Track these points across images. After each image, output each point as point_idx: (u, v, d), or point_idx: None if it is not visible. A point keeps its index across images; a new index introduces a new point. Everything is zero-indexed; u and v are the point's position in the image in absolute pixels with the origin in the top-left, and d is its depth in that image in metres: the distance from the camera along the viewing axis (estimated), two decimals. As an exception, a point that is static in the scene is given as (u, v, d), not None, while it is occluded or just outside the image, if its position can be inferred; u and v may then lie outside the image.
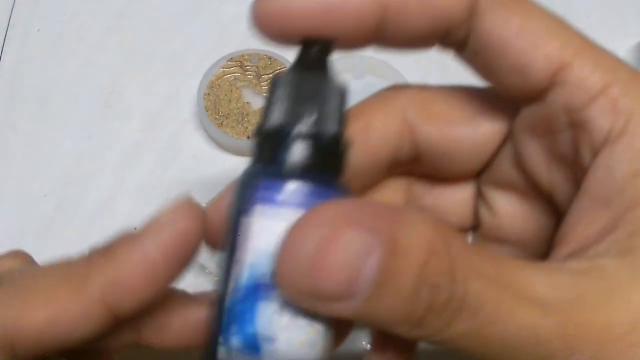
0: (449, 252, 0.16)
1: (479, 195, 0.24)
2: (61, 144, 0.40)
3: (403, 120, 0.22)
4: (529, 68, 0.19)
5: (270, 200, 0.18)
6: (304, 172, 0.18)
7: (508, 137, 0.22)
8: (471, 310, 0.16)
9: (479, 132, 0.22)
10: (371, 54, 0.38)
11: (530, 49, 0.19)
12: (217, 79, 0.40)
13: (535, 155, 0.21)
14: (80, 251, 0.20)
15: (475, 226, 0.25)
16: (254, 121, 0.39)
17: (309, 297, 0.16)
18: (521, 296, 0.17)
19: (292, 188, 0.18)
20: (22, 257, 0.23)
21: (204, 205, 0.21)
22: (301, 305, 0.17)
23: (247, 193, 0.19)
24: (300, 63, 0.20)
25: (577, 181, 0.20)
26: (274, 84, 0.20)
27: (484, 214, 0.24)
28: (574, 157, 0.20)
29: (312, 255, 0.16)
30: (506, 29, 0.19)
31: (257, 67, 0.40)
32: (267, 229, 0.18)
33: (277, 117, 0.19)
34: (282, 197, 0.18)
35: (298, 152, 0.18)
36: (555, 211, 0.22)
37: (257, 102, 0.40)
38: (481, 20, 0.19)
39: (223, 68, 0.40)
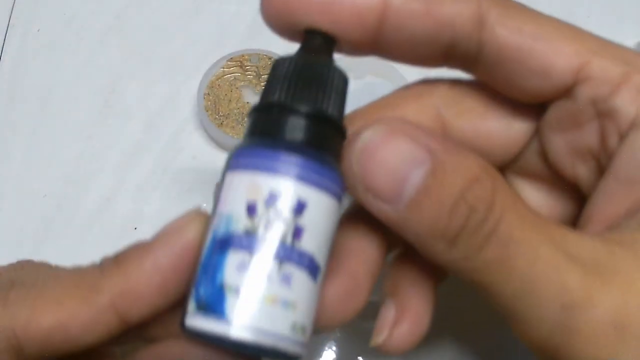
0: (493, 184, 0.18)
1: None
2: (61, 144, 0.40)
3: (437, 115, 0.23)
4: (551, 70, 0.20)
5: (246, 165, 0.18)
6: (295, 146, 0.18)
7: (535, 132, 0.23)
8: (502, 239, 0.18)
9: (511, 127, 0.23)
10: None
11: (550, 51, 0.20)
12: (217, 79, 0.40)
13: (561, 150, 0.22)
14: (81, 251, 0.20)
15: None
16: (254, 121, 0.39)
17: (362, 188, 0.18)
18: (553, 241, 0.18)
19: (284, 158, 0.18)
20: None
21: (205, 205, 0.21)
22: (358, 197, 0.19)
23: (232, 155, 0.19)
24: (303, 50, 0.20)
25: (601, 172, 0.21)
26: (275, 65, 0.20)
27: None
28: (601, 146, 0.21)
29: (366, 148, 0.18)
30: (522, 37, 0.20)
31: (257, 67, 0.40)
32: (243, 185, 0.18)
33: (274, 94, 0.19)
34: (268, 163, 0.18)
35: (291, 126, 0.19)
36: (579, 200, 0.22)
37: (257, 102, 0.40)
38: (493, 33, 0.20)
39: (223, 68, 0.40)
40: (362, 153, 0.18)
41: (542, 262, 0.17)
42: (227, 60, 0.40)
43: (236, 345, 0.17)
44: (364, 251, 0.21)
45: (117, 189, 0.38)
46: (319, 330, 0.20)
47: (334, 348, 0.33)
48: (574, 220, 0.23)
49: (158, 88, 0.42)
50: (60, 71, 0.42)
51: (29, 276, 0.20)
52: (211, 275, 0.18)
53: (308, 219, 0.18)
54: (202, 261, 0.19)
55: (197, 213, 0.20)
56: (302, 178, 0.18)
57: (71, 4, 0.45)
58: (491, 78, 0.22)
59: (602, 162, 0.21)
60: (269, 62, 0.41)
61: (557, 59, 0.20)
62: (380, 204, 0.18)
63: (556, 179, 0.23)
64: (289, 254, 0.18)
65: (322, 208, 0.18)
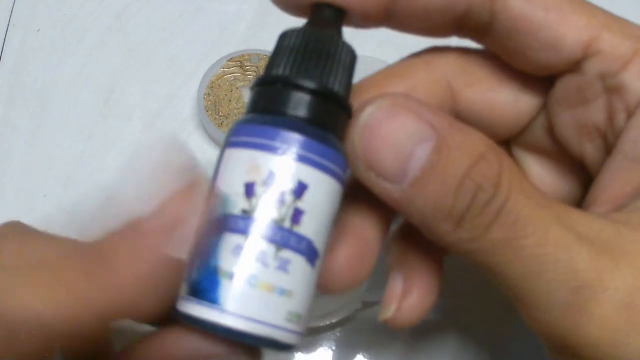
0: (499, 162, 0.17)
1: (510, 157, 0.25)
2: (61, 144, 0.40)
3: (447, 85, 0.22)
4: (562, 42, 0.20)
5: (246, 142, 0.17)
6: (297, 124, 0.18)
7: (543, 106, 0.22)
8: (509, 218, 0.17)
9: (519, 100, 0.22)
10: (371, 54, 0.38)
11: (560, 24, 0.20)
12: (217, 79, 0.40)
13: (568, 126, 0.22)
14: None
15: None
16: (254, 121, 0.39)
17: (365, 166, 0.17)
18: (561, 220, 0.18)
19: (285, 137, 0.17)
20: (15, 229, 0.22)
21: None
22: (360, 176, 0.18)
23: (232, 130, 0.18)
24: (311, 23, 0.19)
25: (608, 150, 0.21)
26: (281, 37, 0.19)
27: None
28: (608, 124, 0.20)
29: (369, 123, 0.17)
30: (534, 8, 0.20)
31: (257, 67, 0.40)
32: (242, 164, 0.17)
33: (277, 68, 0.18)
34: (268, 142, 0.17)
35: (294, 103, 0.18)
36: (585, 179, 0.22)
37: (257, 102, 0.40)
38: (506, 3, 0.20)
39: (223, 68, 0.40)
40: (365, 129, 0.17)
41: (551, 242, 0.17)
42: (227, 60, 0.40)
43: (229, 333, 0.17)
44: (372, 215, 0.21)
45: (117, 189, 0.38)
46: (329, 293, 0.20)
47: (334, 347, 0.33)
48: (578, 200, 0.23)
49: (158, 88, 0.42)
50: (60, 71, 0.42)
51: (3, 273, 0.17)
52: (205, 258, 0.17)
53: (308, 202, 0.17)
54: (196, 241, 0.17)
55: (191, 187, 0.18)
56: (304, 159, 0.17)
57: (71, 4, 0.45)
58: (501, 48, 0.21)
59: (608, 140, 0.21)
60: (269, 62, 0.41)
61: (568, 32, 0.20)
62: (383, 183, 0.17)
63: (562, 156, 0.23)
64: (286, 238, 0.17)
65: (323, 190, 0.17)
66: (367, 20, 0.20)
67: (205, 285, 0.17)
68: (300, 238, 0.17)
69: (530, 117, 0.23)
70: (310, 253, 0.17)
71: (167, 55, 0.43)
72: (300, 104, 0.18)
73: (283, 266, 0.17)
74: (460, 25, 0.21)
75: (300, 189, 0.17)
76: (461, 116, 0.23)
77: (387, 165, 0.17)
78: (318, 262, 0.18)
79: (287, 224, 0.17)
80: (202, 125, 0.40)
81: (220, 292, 0.16)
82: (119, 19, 0.44)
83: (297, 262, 0.17)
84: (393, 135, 0.17)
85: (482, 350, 0.34)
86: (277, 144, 0.17)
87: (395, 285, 0.22)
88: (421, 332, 0.34)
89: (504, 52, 0.21)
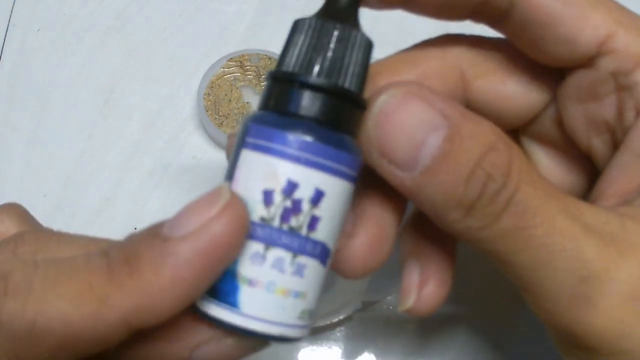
0: (509, 153, 0.18)
1: (518, 146, 0.25)
2: (61, 144, 0.40)
3: (460, 74, 0.22)
4: (578, 38, 0.20)
5: (264, 147, 0.17)
6: (311, 128, 0.17)
7: (553, 98, 0.23)
8: (519, 208, 0.17)
9: (530, 90, 0.23)
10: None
11: (578, 19, 0.20)
12: (217, 79, 0.40)
13: (577, 120, 0.22)
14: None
15: None
16: (254, 121, 0.39)
17: (377, 153, 0.18)
18: (568, 211, 0.18)
19: (300, 144, 0.17)
20: (17, 213, 0.22)
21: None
22: (372, 163, 0.18)
23: (247, 129, 0.18)
24: (326, 11, 0.19)
25: (615, 145, 0.21)
26: (295, 26, 0.19)
27: None
28: (617, 120, 0.21)
29: (383, 110, 0.17)
30: (553, 1, 0.20)
31: (257, 67, 0.40)
32: (260, 170, 0.17)
33: (290, 62, 0.18)
34: (285, 149, 0.17)
35: (307, 103, 0.18)
36: (591, 173, 0.22)
37: (257, 102, 0.40)
38: None
39: (223, 68, 0.40)
40: (378, 117, 0.18)
41: (559, 232, 0.17)
42: (227, 60, 0.40)
43: (246, 333, 0.18)
44: (388, 202, 0.21)
45: (117, 189, 0.38)
46: (348, 279, 0.20)
47: (334, 347, 0.33)
48: (584, 192, 0.23)
49: (158, 88, 0.42)
50: (60, 71, 0.42)
51: (26, 269, 0.17)
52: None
53: (324, 208, 0.18)
54: None
55: (230, 201, 0.16)
56: (319, 166, 0.17)
57: (71, 4, 0.45)
58: (516, 37, 0.21)
59: (617, 136, 0.21)
60: (269, 62, 0.41)
61: (584, 29, 0.20)
62: (395, 170, 0.18)
63: (570, 148, 0.23)
64: (303, 245, 0.17)
65: (338, 195, 0.18)
66: (385, 2, 0.20)
67: (225, 289, 0.17)
68: (316, 244, 0.18)
69: (540, 108, 0.23)
70: (323, 255, 0.18)
71: (167, 55, 0.43)
72: (313, 104, 0.18)
73: (299, 271, 0.18)
74: (479, 10, 0.21)
75: (317, 197, 0.17)
76: (472, 105, 0.23)
77: (399, 153, 0.17)
78: (329, 260, 0.18)
79: (304, 231, 0.17)
80: (202, 125, 0.40)
81: (239, 297, 0.17)
82: (119, 19, 0.44)
83: (312, 266, 0.18)
84: (406, 123, 0.17)
85: (484, 349, 0.34)
86: (293, 151, 0.17)
87: (412, 275, 0.22)
88: (421, 331, 0.34)
89: (518, 41, 0.22)
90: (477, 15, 0.21)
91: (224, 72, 0.40)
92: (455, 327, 0.34)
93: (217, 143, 0.40)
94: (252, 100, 0.40)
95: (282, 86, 0.18)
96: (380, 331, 0.34)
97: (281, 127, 0.17)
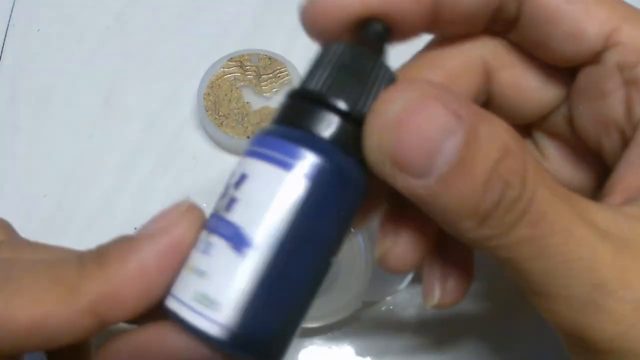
0: (523, 155, 0.17)
1: (530, 140, 0.25)
2: (61, 144, 0.40)
3: (484, 67, 0.23)
4: (583, 33, 0.20)
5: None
6: (322, 146, 0.17)
7: (566, 96, 0.23)
8: (535, 216, 0.17)
9: (547, 86, 0.23)
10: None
11: (583, 15, 0.20)
12: (217, 79, 0.40)
13: (586, 118, 0.22)
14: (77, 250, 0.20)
15: None
16: (254, 121, 0.39)
17: (391, 163, 0.17)
18: (583, 217, 0.18)
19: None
20: (1, 226, 0.23)
21: (205, 206, 0.21)
22: (384, 175, 0.17)
23: (255, 141, 0.18)
24: (357, 40, 0.19)
25: (626, 144, 0.21)
26: (324, 49, 0.19)
27: (535, 155, 0.25)
28: (626, 117, 0.21)
29: (398, 116, 0.16)
30: (558, 0, 0.20)
31: (257, 67, 0.40)
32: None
33: (314, 83, 0.18)
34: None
35: (321, 124, 0.17)
36: (602, 172, 0.23)
37: (257, 102, 0.40)
38: None
39: (223, 68, 0.40)
40: (394, 123, 0.16)
41: (576, 240, 0.17)
42: (227, 60, 0.41)
43: (165, 311, 0.18)
44: None
45: (117, 189, 0.38)
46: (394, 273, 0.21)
47: (334, 347, 0.33)
48: (593, 189, 0.24)
49: (158, 88, 0.42)
50: (60, 71, 0.42)
51: (2, 266, 0.18)
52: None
53: (244, 190, 0.17)
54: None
55: (188, 208, 0.19)
56: (253, 153, 0.18)
57: (71, 4, 0.45)
58: (525, 40, 0.22)
59: (627, 135, 0.21)
60: (269, 62, 0.41)
61: (589, 24, 0.20)
62: (408, 179, 0.17)
63: (580, 146, 0.23)
64: (216, 224, 0.18)
65: (263, 180, 0.17)
66: (412, 33, 0.21)
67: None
68: (229, 224, 0.17)
69: (555, 104, 0.23)
70: (236, 240, 0.17)
71: (167, 55, 0.43)
72: (322, 123, 0.18)
73: (207, 250, 0.18)
74: (492, 20, 0.21)
75: (240, 180, 0.18)
76: (494, 98, 0.23)
77: (414, 161, 0.16)
78: (248, 251, 0.17)
79: (222, 212, 0.18)
80: (202, 125, 0.40)
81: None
82: (119, 19, 0.44)
83: (221, 248, 0.17)
84: (422, 129, 0.16)
85: (484, 349, 0.34)
86: (250, 147, 0.18)
87: (433, 272, 0.22)
88: (421, 331, 0.34)
89: (528, 44, 0.22)
90: (491, 26, 0.22)
91: (224, 72, 0.40)
92: (455, 327, 0.34)
93: (217, 143, 0.40)
94: (252, 100, 0.40)
95: (303, 106, 0.18)
96: (380, 331, 0.34)
97: (264, 132, 0.18)
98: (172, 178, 0.39)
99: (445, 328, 0.34)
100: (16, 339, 0.17)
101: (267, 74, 0.40)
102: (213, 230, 0.18)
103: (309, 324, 0.32)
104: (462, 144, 0.16)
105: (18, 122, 0.40)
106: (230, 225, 0.17)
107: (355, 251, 0.33)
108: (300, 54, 0.41)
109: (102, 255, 0.18)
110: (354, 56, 0.18)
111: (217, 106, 0.39)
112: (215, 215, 0.18)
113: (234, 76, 0.40)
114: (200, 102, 0.39)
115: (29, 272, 0.18)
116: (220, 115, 0.39)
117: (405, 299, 0.34)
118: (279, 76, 0.40)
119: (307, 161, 0.17)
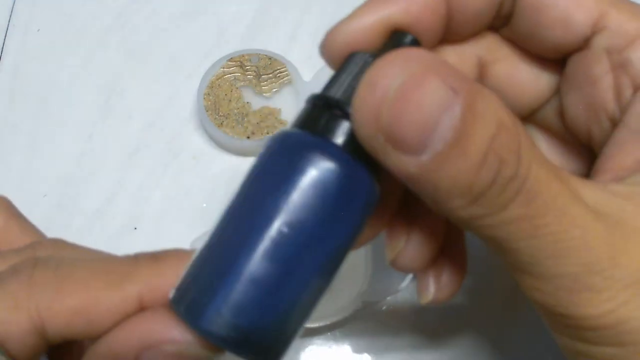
0: (517, 132, 0.17)
1: None
2: (61, 144, 0.40)
3: (477, 61, 0.23)
4: (571, 19, 0.21)
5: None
6: (338, 151, 0.17)
7: (557, 88, 0.23)
8: (529, 195, 0.16)
9: (539, 77, 0.23)
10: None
11: (570, 2, 0.21)
12: (217, 79, 0.40)
13: (576, 106, 0.22)
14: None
15: None
16: (254, 121, 0.39)
17: (385, 139, 0.16)
18: (576, 196, 0.17)
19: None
20: (2, 205, 0.24)
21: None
22: (374, 150, 0.16)
23: (270, 144, 0.18)
24: (384, 51, 0.18)
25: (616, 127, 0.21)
26: (350, 57, 0.19)
27: None
28: (615, 102, 0.21)
29: (397, 91, 0.15)
30: None
31: (257, 67, 0.40)
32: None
33: (336, 90, 0.18)
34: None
35: (337, 130, 0.18)
36: (591, 160, 0.22)
37: (257, 102, 0.40)
38: None
39: (223, 68, 0.40)
40: (392, 98, 0.16)
41: (569, 220, 0.17)
42: (227, 60, 0.41)
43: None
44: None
45: (117, 189, 0.38)
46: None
47: (334, 347, 0.33)
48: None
49: (158, 88, 0.42)
50: (60, 71, 0.42)
51: (56, 255, 0.19)
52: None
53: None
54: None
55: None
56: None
57: (71, 4, 0.45)
58: (517, 33, 0.22)
59: (616, 120, 0.21)
60: (269, 62, 0.41)
61: (577, 10, 0.21)
62: (401, 157, 0.16)
63: (571, 138, 0.23)
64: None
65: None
66: (430, 44, 0.21)
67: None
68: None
69: (547, 96, 0.23)
70: None
71: (167, 55, 0.43)
72: (341, 130, 0.18)
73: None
74: (496, 15, 0.22)
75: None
76: None
77: (408, 137, 0.15)
78: None
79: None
80: (202, 125, 0.40)
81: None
82: (119, 19, 0.44)
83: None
84: (422, 104, 0.15)
85: (484, 349, 0.34)
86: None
87: (427, 268, 0.22)
88: (421, 331, 0.34)
89: (519, 36, 0.22)
90: (493, 22, 0.22)
91: (224, 72, 0.40)
92: (455, 327, 0.34)
93: (217, 143, 0.40)
94: (252, 100, 0.40)
95: (323, 112, 0.18)
96: (380, 331, 0.34)
97: (307, 148, 0.18)
98: (172, 178, 0.39)
99: (445, 328, 0.34)
100: (65, 324, 0.17)
101: (267, 74, 0.40)
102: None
103: (309, 324, 0.32)
104: (460, 119, 0.15)
105: (18, 122, 0.40)
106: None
107: (356, 252, 0.33)
108: (300, 54, 0.41)
109: (157, 255, 0.19)
110: None
111: (217, 106, 0.39)
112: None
113: (234, 76, 0.40)
114: (200, 102, 0.39)
115: (81, 260, 0.19)
116: (220, 115, 0.39)
117: (405, 299, 0.34)
118: (279, 76, 0.40)
119: (320, 166, 0.17)
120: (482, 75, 0.23)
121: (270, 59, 0.41)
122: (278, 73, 0.40)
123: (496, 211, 0.16)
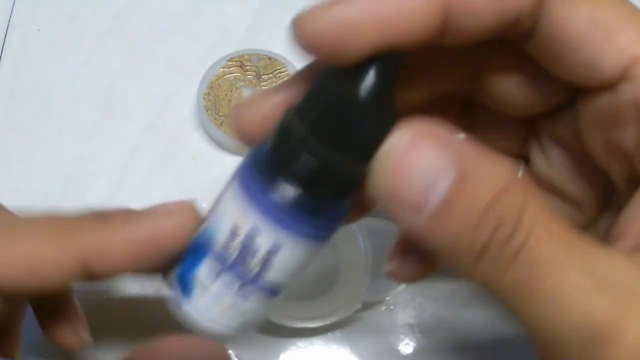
0: (523, 197, 0.17)
1: (537, 141, 0.24)
2: (61, 144, 0.40)
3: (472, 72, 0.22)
4: (600, 62, 0.19)
5: (251, 190, 0.19)
6: (293, 196, 0.18)
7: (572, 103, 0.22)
8: (529, 258, 0.17)
9: (546, 95, 0.22)
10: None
11: (601, 41, 0.19)
12: (217, 79, 0.40)
13: (596, 142, 0.21)
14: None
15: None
16: (254, 121, 0.39)
17: (387, 197, 0.17)
18: (582, 263, 0.17)
19: (277, 202, 0.18)
20: None
21: (205, 206, 0.22)
22: (381, 204, 0.18)
23: (244, 162, 0.20)
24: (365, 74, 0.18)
25: (633, 173, 0.20)
26: (321, 77, 0.19)
27: (539, 159, 0.24)
28: (637, 150, 0.20)
29: (394, 156, 0.17)
30: (576, 20, 0.19)
31: (257, 67, 0.40)
32: (236, 207, 0.19)
33: (299, 115, 0.18)
34: (262, 200, 0.18)
35: (300, 166, 0.18)
36: (606, 182, 0.22)
37: (257, 102, 0.40)
38: (549, 11, 0.19)
39: (223, 68, 0.40)
40: (388, 161, 0.17)
41: (570, 285, 0.17)
42: (227, 60, 0.41)
43: (186, 318, 0.21)
44: None
45: (117, 189, 0.38)
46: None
47: (333, 347, 0.33)
48: (598, 206, 0.23)
49: (158, 88, 0.42)
50: (60, 71, 0.42)
51: (6, 215, 0.21)
52: (190, 264, 0.20)
53: (279, 259, 0.19)
54: (191, 244, 0.21)
55: (191, 209, 0.21)
56: (288, 227, 0.18)
57: (71, 4, 0.45)
58: (540, 59, 0.21)
59: (636, 168, 0.20)
60: (269, 62, 0.41)
61: (609, 53, 0.19)
62: (405, 214, 0.17)
63: (586, 156, 0.22)
64: (252, 280, 0.20)
65: (296, 253, 0.19)
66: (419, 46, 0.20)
67: (185, 283, 0.21)
68: (264, 283, 0.20)
69: (558, 102, 0.22)
70: (272, 292, 0.20)
71: (167, 55, 0.43)
72: (304, 169, 0.18)
73: (245, 296, 0.20)
74: (506, 34, 0.20)
75: (273, 250, 0.19)
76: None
77: (408, 197, 0.17)
78: (282, 291, 0.21)
79: (255, 270, 0.19)
80: (202, 125, 0.40)
81: (194, 294, 0.20)
82: (119, 19, 0.44)
83: (258, 296, 0.20)
84: (415, 167, 0.17)
85: (484, 349, 0.34)
86: (267, 207, 0.18)
87: (399, 244, 0.23)
88: (421, 332, 0.34)
89: (542, 62, 0.21)
90: (504, 36, 0.20)
91: (224, 72, 0.40)
92: (455, 327, 0.34)
93: (217, 143, 0.40)
94: (252, 100, 0.40)
95: (280, 132, 0.18)
96: (380, 331, 0.34)
97: (265, 175, 0.18)
98: (172, 178, 0.39)
99: (445, 328, 0.34)
100: (16, 281, 0.19)
101: (267, 74, 0.40)
102: (249, 283, 0.20)
103: (309, 324, 0.32)
104: (456, 181, 0.16)
105: (18, 122, 0.40)
106: (267, 283, 0.20)
107: (355, 251, 0.33)
108: (300, 54, 0.41)
109: (105, 215, 0.20)
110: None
111: (217, 106, 0.39)
112: (247, 271, 0.20)
113: (234, 76, 0.40)
114: (200, 102, 0.39)
115: (31, 222, 0.21)
116: (220, 115, 0.39)
117: (405, 299, 0.34)
118: (279, 76, 0.40)
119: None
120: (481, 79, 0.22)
121: (270, 59, 0.41)
122: (278, 73, 0.40)
123: (500, 272, 0.17)
